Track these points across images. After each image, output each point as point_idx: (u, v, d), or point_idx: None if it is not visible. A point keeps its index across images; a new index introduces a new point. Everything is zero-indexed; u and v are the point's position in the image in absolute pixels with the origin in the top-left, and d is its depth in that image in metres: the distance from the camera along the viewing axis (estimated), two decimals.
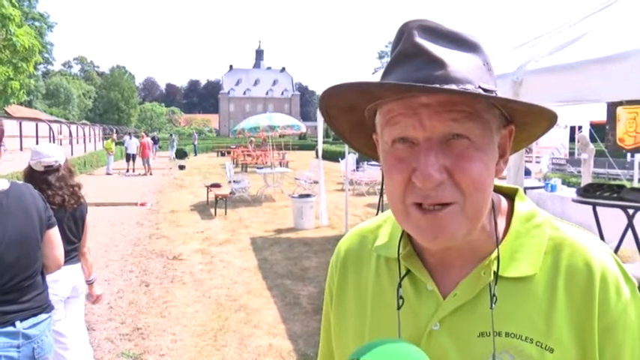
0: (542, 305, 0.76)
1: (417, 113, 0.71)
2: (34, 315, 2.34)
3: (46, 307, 2.45)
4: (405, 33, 0.75)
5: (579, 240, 0.80)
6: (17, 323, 2.26)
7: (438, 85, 0.68)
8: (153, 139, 34.03)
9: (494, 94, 0.73)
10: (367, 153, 0.93)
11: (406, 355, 0.67)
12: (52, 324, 2.52)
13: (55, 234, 2.55)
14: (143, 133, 27.81)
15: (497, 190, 0.88)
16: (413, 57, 0.72)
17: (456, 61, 0.71)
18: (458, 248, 0.80)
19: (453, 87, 0.69)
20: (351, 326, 0.92)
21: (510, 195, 0.88)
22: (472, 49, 0.75)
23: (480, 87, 0.71)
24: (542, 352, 0.74)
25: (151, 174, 23.30)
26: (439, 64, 0.70)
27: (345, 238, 1.03)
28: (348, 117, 0.85)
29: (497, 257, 0.78)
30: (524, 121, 0.80)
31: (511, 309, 0.77)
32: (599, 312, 0.74)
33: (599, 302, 0.74)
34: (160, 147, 37.02)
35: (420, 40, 0.72)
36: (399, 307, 0.82)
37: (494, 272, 0.77)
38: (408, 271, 0.85)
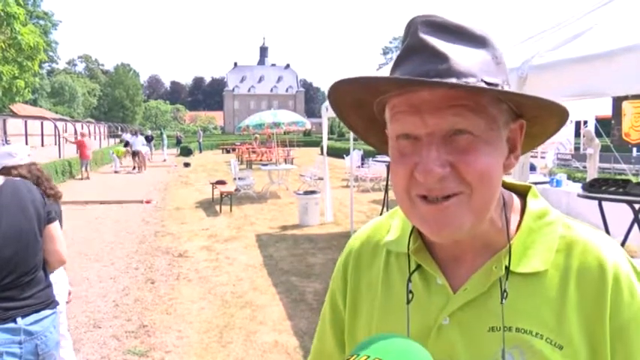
0: (553, 302, 0.76)
1: (418, 110, 0.71)
2: (37, 311, 2.33)
3: (50, 303, 2.43)
4: (411, 28, 0.75)
5: (592, 239, 0.79)
6: (18, 320, 2.25)
7: (438, 79, 0.68)
8: (147, 137, 32.91)
9: (499, 88, 0.72)
10: (382, 149, 0.92)
11: (405, 350, 0.66)
12: (57, 320, 2.50)
13: (55, 229, 2.52)
14: (82, 132, 22.25)
15: (511, 187, 0.88)
16: (417, 52, 0.72)
17: (459, 55, 0.71)
18: (468, 243, 0.80)
19: (454, 80, 0.69)
20: (362, 323, 0.92)
21: (523, 193, 0.88)
22: (480, 43, 0.74)
23: (482, 80, 0.71)
24: (552, 349, 0.74)
25: (88, 178, 19.77)
26: (442, 58, 0.70)
27: (357, 235, 1.03)
28: (358, 113, 0.86)
29: (509, 252, 0.78)
30: (533, 115, 0.79)
31: (522, 304, 0.76)
32: (611, 313, 0.73)
33: (611, 303, 0.74)
34: (154, 145, 35.83)
35: (424, 35, 0.72)
36: (408, 302, 0.83)
37: (505, 267, 0.77)
38: (418, 266, 0.85)
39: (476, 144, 0.71)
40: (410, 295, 0.83)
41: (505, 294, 0.76)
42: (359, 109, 0.85)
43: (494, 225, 0.80)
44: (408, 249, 0.86)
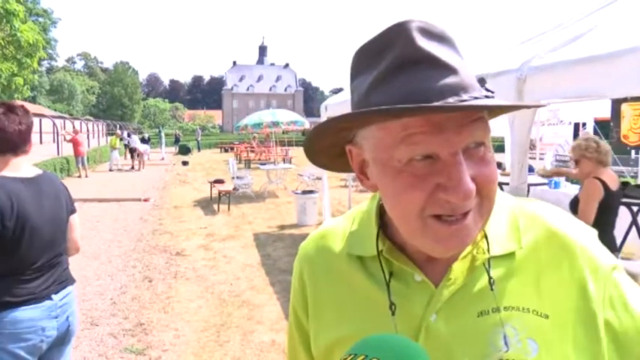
0: (531, 276, 0.77)
1: (442, 128, 0.67)
2: (64, 288, 2.60)
3: (71, 281, 2.72)
4: (402, 36, 0.69)
5: (547, 212, 0.84)
6: (53, 296, 2.51)
7: (469, 96, 0.66)
8: (142, 139, 31.62)
9: (494, 95, 0.72)
10: (331, 166, 0.89)
11: (403, 349, 0.66)
12: (75, 295, 2.76)
13: (75, 220, 2.77)
14: (75, 130, 21.84)
15: None
16: (417, 64, 0.67)
17: (460, 65, 0.69)
18: None
19: (476, 94, 0.67)
20: (333, 334, 0.87)
21: None
22: (455, 47, 0.72)
23: (484, 88, 0.70)
24: (540, 320, 0.75)
25: (86, 176, 19.82)
26: (450, 70, 0.67)
27: (307, 244, 0.98)
28: (333, 137, 0.80)
29: (486, 237, 0.79)
30: (498, 113, 0.80)
31: (504, 284, 0.77)
32: (591, 271, 0.76)
33: (589, 264, 0.77)
34: (152, 144, 35.16)
35: (422, 44, 0.68)
36: (393, 314, 0.79)
37: (486, 250, 0.78)
38: (391, 270, 0.83)
39: (487, 154, 0.71)
40: (393, 307, 0.80)
41: (492, 281, 0.76)
42: (337, 134, 0.79)
43: None
44: (378, 251, 0.82)
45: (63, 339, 2.61)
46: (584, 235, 0.81)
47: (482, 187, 0.70)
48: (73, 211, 2.75)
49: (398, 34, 0.69)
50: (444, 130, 0.67)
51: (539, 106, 0.78)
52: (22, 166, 2.50)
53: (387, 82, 0.69)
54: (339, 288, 0.88)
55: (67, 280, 2.65)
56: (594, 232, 0.83)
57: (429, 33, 0.69)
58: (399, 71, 0.68)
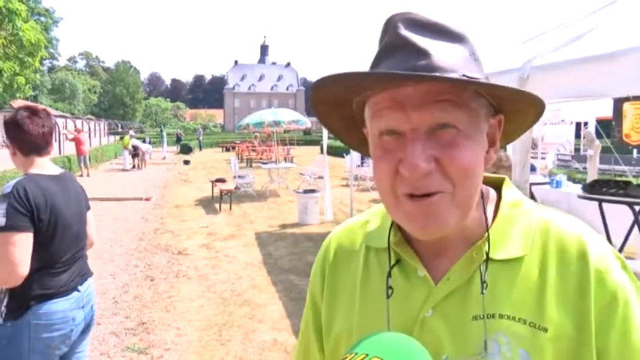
0: (534, 286, 0.77)
1: (402, 105, 0.71)
2: (86, 279, 2.72)
3: (90, 272, 2.83)
4: (390, 26, 0.75)
5: (565, 223, 0.82)
6: (80, 287, 2.63)
7: (424, 73, 0.69)
8: (143, 140, 31.40)
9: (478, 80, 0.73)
10: (361, 150, 0.93)
11: (403, 347, 0.66)
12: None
13: (90, 215, 2.89)
14: (77, 128, 21.33)
15: (485, 180, 0.89)
16: (398, 49, 0.73)
17: (440, 51, 0.72)
18: (449, 236, 0.80)
19: (453, 76, 0.69)
20: (341, 323, 0.91)
21: (497, 185, 0.90)
22: (458, 39, 0.75)
23: (464, 75, 0.71)
24: (536, 332, 0.74)
25: (88, 175, 19.59)
26: (424, 54, 0.71)
27: (334, 234, 1.03)
28: (338, 112, 0.86)
29: (488, 240, 0.79)
30: (512, 110, 0.81)
31: (504, 290, 0.77)
32: (596, 291, 0.74)
33: (596, 281, 0.74)
34: (153, 143, 34.97)
35: (404, 32, 0.73)
36: (388, 297, 0.83)
37: (485, 253, 0.78)
38: (398, 260, 0.85)
39: (459, 138, 0.72)
40: (390, 291, 0.83)
41: (485, 284, 0.77)
42: (339, 109, 0.84)
43: (474, 217, 0.81)
44: (389, 242, 0.86)
45: (87, 326, 2.74)
46: (605, 259, 0.77)
47: (448, 170, 0.72)
48: (88, 207, 2.89)
49: (387, 25, 0.76)
50: (405, 107, 0.71)
51: (518, 92, 0.77)
52: (47, 165, 2.61)
53: (375, 65, 0.77)
54: (354, 279, 0.92)
55: (87, 272, 2.77)
56: (619, 257, 0.79)
57: (414, 22, 0.74)
58: (384, 56, 0.75)
